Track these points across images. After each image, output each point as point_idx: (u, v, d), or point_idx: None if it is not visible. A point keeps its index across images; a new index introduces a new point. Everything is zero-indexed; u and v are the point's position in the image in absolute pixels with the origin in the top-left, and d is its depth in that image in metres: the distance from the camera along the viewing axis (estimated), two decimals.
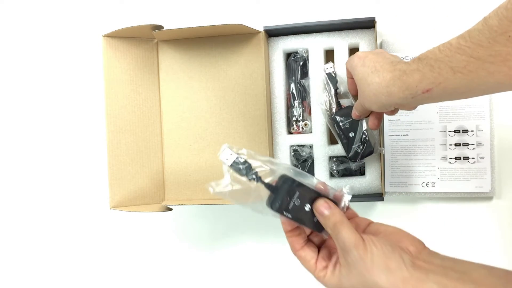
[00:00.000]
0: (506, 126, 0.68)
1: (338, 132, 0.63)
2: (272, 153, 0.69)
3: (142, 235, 0.81)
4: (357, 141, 0.63)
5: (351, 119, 0.62)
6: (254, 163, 0.42)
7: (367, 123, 0.59)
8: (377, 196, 0.66)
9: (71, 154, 0.83)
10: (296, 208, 0.42)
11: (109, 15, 0.81)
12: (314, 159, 0.69)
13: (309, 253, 0.42)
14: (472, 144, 0.67)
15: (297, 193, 0.42)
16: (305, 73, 0.70)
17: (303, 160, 0.71)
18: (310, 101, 0.69)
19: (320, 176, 0.68)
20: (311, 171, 0.70)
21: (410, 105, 0.47)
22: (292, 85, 0.70)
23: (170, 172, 0.71)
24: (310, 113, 0.69)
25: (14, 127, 0.85)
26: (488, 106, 0.66)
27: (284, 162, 0.50)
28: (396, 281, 0.37)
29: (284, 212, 0.42)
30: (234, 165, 0.42)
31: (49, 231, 0.84)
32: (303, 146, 0.70)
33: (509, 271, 0.37)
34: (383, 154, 0.67)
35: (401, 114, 0.68)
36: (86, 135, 0.82)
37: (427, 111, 0.68)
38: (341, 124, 0.62)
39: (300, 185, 0.42)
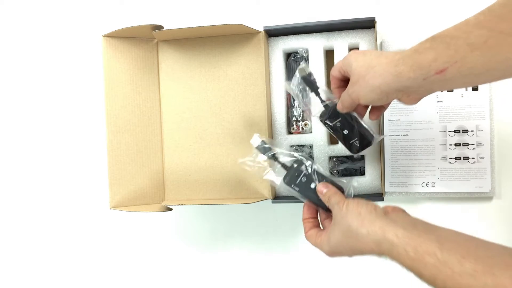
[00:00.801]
0: (506, 126, 0.68)
1: (333, 133, 0.61)
2: None
3: (142, 235, 0.81)
4: (353, 136, 0.60)
5: (340, 118, 0.59)
6: (276, 150, 0.56)
7: (359, 116, 0.57)
8: (377, 196, 0.66)
9: (71, 154, 0.83)
10: (303, 184, 0.54)
11: (109, 15, 0.81)
12: (314, 159, 0.69)
13: (315, 231, 0.52)
14: (472, 144, 0.67)
15: (306, 173, 0.55)
16: None
17: None
18: (310, 101, 0.69)
19: None
20: None
21: (418, 91, 0.43)
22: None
23: (170, 172, 0.71)
24: None
25: (14, 127, 0.85)
26: (488, 106, 0.66)
27: (304, 155, 0.58)
28: (364, 223, 0.43)
29: (293, 186, 0.55)
30: (259, 147, 0.56)
31: (49, 231, 0.84)
32: (303, 146, 0.70)
33: (474, 236, 0.39)
34: (383, 155, 0.67)
35: (401, 114, 0.68)
36: (86, 135, 0.82)
37: (427, 111, 0.68)
38: (332, 124, 0.60)
39: (309, 168, 0.55)
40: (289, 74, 0.71)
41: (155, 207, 0.66)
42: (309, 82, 0.59)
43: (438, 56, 0.38)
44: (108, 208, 0.66)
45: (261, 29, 0.66)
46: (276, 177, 0.57)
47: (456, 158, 0.67)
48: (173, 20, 0.77)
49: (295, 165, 0.55)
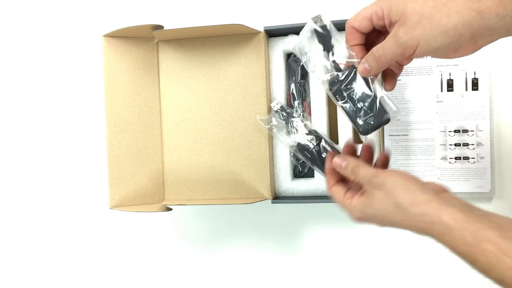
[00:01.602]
0: (506, 126, 0.68)
1: (342, 105, 0.49)
2: (272, 153, 0.69)
3: (142, 235, 0.81)
4: (369, 111, 0.49)
5: (356, 86, 0.48)
6: (293, 115, 0.65)
7: (381, 85, 0.47)
8: None
9: (71, 154, 0.83)
10: (315, 153, 0.63)
11: (109, 15, 0.81)
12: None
13: (340, 188, 0.47)
14: (472, 144, 0.67)
15: (318, 141, 0.63)
16: (305, 74, 0.70)
17: (302, 160, 0.70)
18: (310, 101, 0.69)
19: (320, 176, 0.68)
20: (311, 170, 0.70)
21: (494, 35, 0.37)
22: (292, 85, 0.70)
23: (170, 172, 0.71)
24: (310, 113, 0.69)
25: (14, 127, 0.85)
26: (488, 106, 0.66)
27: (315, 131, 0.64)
28: (418, 201, 0.39)
29: (305, 152, 0.63)
30: (278, 111, 0.64)
31: (49, 231, 0.84)
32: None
33: None
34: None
35: (401, 114, 0.68)
36: (86, 135, 0.82)
37: (427, 111, 0.68)
38: (345, 95, 0.48)
39: (321, 137, 0.63)
40: (289, 74, 0.71)
41: (155, 207, 0.66)
42: (322, 36, 0.48)
43: None
44: (108, 208, 0.66)
45: (261, 29, 0.66)
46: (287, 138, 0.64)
47: (456, 158, 0.67)
48: (173, 20, 0.77)
49: (312, 134, 0.59)
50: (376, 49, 0.42)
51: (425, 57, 0.43)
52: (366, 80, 0.47)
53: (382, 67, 0.43)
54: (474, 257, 0.35)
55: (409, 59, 0.45)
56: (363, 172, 0.44)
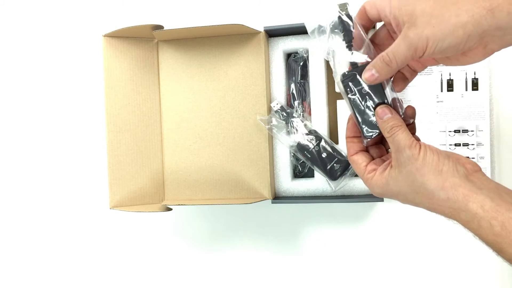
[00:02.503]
0: (506, 126, 0.68)
1: (351, 103, 0.46)
2: (272, 153, 0.69)
3: (142, 235, 0.81)
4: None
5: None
6: (293, 115, 0.66)
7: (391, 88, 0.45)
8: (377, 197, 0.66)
9: (71, 154, 0.83)
10: (315, 153, 0.64)
11: (109, 15, 0.81)
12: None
13: (361, 158, 0.44)
14: (472, 144, 0.67)
15: (318, 141, 0.64)
16: (305, 74, 0.70)
17: (302, 160, 0.70)
18: (310, 101, 0.69)
19: (320, 176, 0.68)
20: (311, 171, 0.70)
21: (505, 37, 0.35)
22: (292, 85, 0.70)
23: (170, 172, 0.71)
24: (310, 113, 0.69)
25: (14, 127, 0.85)
26: (488, 106, 0.66)
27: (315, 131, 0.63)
28: (445, 185, 0.37)
29: (305, 152, 0.64)
30: (278, 111, 0.66)
31: (49, 231, 0.84)
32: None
33: None
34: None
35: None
36: (86, 135, 0.82)
37: (427, 111, 0.68)
38: (356, 90, 0.45)
39: (321, 137, 0.64)
40: (289, 74, 0.71)
41: (155, 207, 0.66)
42: (345, 26, 0.45)
43: None
44: (108, 208, 0.66)
45: (261, 29, 0.66)
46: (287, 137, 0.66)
47: None
48: (173, 20, 0.77)
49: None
50: (386, 53, 0.40)
51: (438, 65, 0.41)
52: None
53: (392, 72, 0.41)
54: (501, 247, 0.35)
55: (422, 65, 0.44)
56: (401, 135, 0.40)
